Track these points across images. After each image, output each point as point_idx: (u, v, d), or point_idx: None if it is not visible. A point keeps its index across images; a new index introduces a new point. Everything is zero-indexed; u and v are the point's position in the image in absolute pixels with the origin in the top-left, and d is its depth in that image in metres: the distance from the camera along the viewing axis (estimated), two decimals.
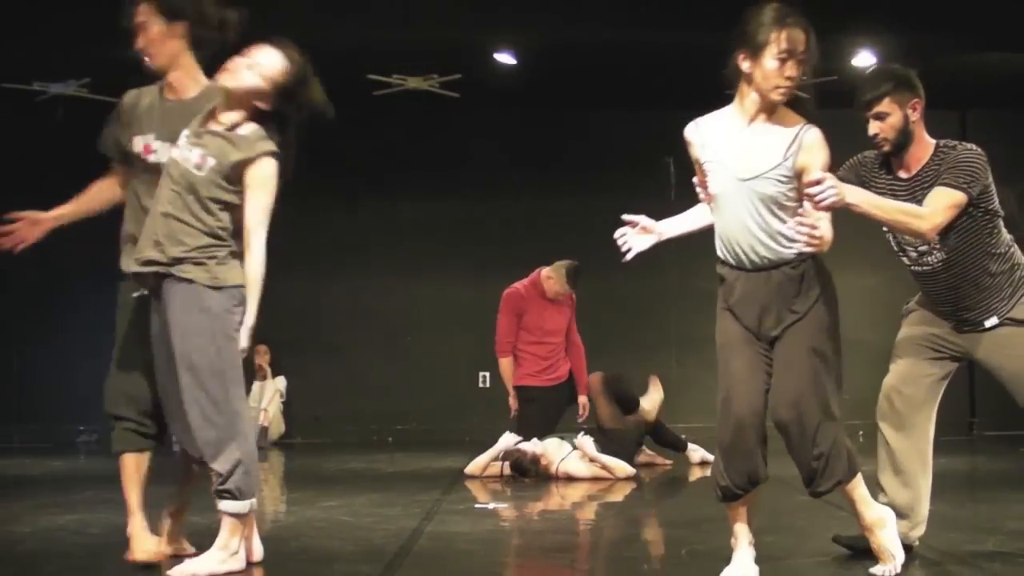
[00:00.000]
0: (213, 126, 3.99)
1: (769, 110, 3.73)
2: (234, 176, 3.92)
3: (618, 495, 6.72)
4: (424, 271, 11.41)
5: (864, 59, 9.78)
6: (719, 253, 3.84)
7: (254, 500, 3.99)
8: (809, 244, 3.54)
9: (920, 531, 4.33)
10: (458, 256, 11.38)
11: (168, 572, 3.92)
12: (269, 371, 10.78)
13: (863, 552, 4.23)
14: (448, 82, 10.11)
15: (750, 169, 3.71)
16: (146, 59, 4.25)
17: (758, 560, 3.83)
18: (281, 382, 11.04)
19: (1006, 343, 4.20)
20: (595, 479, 7.22)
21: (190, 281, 3.87)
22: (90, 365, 11.18)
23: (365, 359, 11.38)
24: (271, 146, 3.96)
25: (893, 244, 4.34)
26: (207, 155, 3.92)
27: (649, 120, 9.45)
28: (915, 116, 4.14)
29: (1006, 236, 4.28)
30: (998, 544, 4.57)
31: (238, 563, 3.97)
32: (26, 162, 10.46)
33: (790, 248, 3.69)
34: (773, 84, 3.66)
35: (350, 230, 11.39)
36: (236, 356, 3.93)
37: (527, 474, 7.39)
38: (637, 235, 3.93)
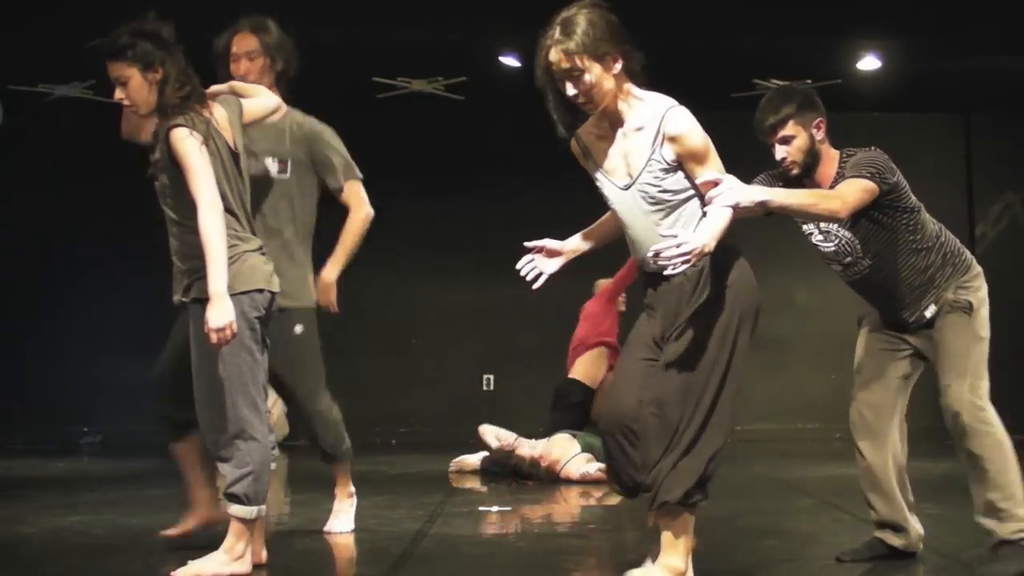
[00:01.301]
0: None
1: (618, 110, 3.61)
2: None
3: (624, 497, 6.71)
4: (428, 273, 11.41)
5: (869, 63, 9.79)
6: None
7: (263, 507, 4.00)
8: (675, 263, 3.34)
9: (918, 541, 4.31)
10: (462, 258, 11.39)
11: (171, 573, 3.92)
12: None
13: (869, 558, 4.25)
14: (453, 84, 10.12)
15: (626, 176, 3.63)
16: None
17: (760, 564, 3.83)
18: None
19: (941, 324, 4.18)
20: (597, 481, 7.14)
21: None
22: (94, 366, 11.27)
23: (369, 361, 11.38)
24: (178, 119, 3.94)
25: (822, 259, 4.30)
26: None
27: None
28: (820, 135, 4.08)
29: (932, 228, 4.24)
30: None
31: (243, 567, 3.97)
32: (32, 164, 10.48)
33: None
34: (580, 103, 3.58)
35: None
36: (245, 362, 3.94)
37: (530, 477, 7.33)
38: (544, 259, 3.86)
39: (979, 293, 4.24)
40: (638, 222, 3.64)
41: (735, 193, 3.45)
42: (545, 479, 7.24)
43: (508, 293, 11.37)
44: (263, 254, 4.09)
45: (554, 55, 3.52)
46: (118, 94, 4.06)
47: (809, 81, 9.75)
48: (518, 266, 3.84)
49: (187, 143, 3.90)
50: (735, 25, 8.67)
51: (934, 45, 9.48)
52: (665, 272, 3.46)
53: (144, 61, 3.99)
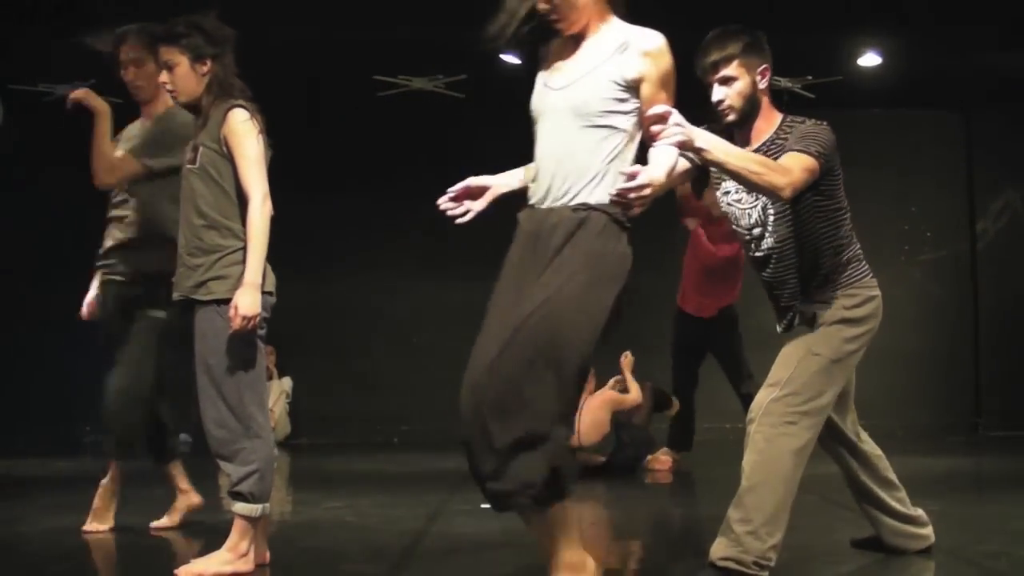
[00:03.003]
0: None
1: (588, 36, 3.35)
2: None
3: (627, 495, 6.72)
4: (430, 271, 11.41)
5: (869, 59, 9.79)
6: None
7: (267, 505, 4.00)
8: (623, 198, 3.07)
9: (927, 530, 4.30)
10: (464, 256, 11.35)
11: (176, 572, 3.92)
12: (275, 371, 10.78)
13: (876, 551, 4.26)
14: (454, 82, 10.12)
15: (567, 77, 3.34)
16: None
17: None
18: (287, 383, 11.05)
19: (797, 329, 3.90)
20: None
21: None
22: (96, 366, 11.25)
23: (371, 359, 11.39)
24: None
25: (734, 225, 3.99)
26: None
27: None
28: (763, 83, 3.80)
29: (847, 230, 3.91)
30: (1003, 544, 4.56)
31: (246, 565, 3.97)
32: (32, 164, 10.47)
33: (594, 184, 3.29)
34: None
35: (356, 230, 11.39)
36: (253, 360, 3.95)
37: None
38: (467, 201, 3.70)
39: (858, 311, 3.89)
40: (557, 135, 3.34)
41: (683, 131, 3.21)
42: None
43: None
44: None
45: None
46: (163, 77, 4.13)
47: (810, 77, 9.76)
48: (439, 202, 3.65)
49: (247, 126, 3.96)
50: (734, 21, 8.65)
51: (934, 42, 9.48)
52: (629, 212, 3.20)
53: (195, 52, 4.06)
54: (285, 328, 9.91)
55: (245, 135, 3.95)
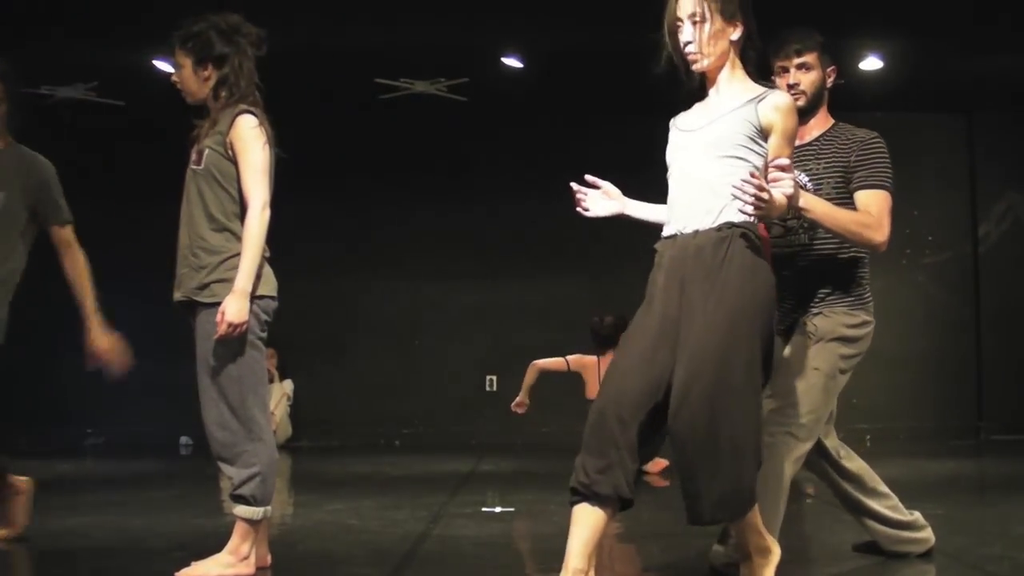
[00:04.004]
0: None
1: (720, 80, 3.53)
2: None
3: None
4: (431, 274, 11.42)
5: (871, 63, 9.79)
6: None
7: (269, 508, 3.99)
8: (749, 198, 3.23)
9: (924, 534, 4.29)
10: (465, 259, 11.39)
11: (177, 574, 3.92)
12: (276, 374, 10.79)
13: (877, 554, 4.25)
14: (455, 86, 10.12)
15: (702, 120, 3.51)
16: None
17: None
18: (288, 385, 11.06)
19: (795, 339, 3.95)
20: None
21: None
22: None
23: (372, 362, 11.40)
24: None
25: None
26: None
27: (657, 124, 9.42)
28: (829, 83, 4.14)
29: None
30: (1006, 548, 4.56)
31: (247, 568, 3.96)
32: None
33: (732, 206, 3.39)
34: (684, 57, 3.50)
35: (358, 233, 11.41)
36: (256, 362, 3.95)
37: None
38: (599, 198, 3.74)
39: (855, 331, 3.98)
40: (694, 172, 3.47)
41: (794, 186, 3.41)
42: None
43: (511, 294, 11.42)
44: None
45: None
46: (174, 75, 4.14)
47: None
48: (573, 185, 3.74)
49: (255, 132, 3.95)
50: None
51: (936, 45, 9.48)
52: (739, 208, 3.33)
53: (197, 56, 4.06)
54: (286, 331, 9.94)
55: (251, 142, 3.95)
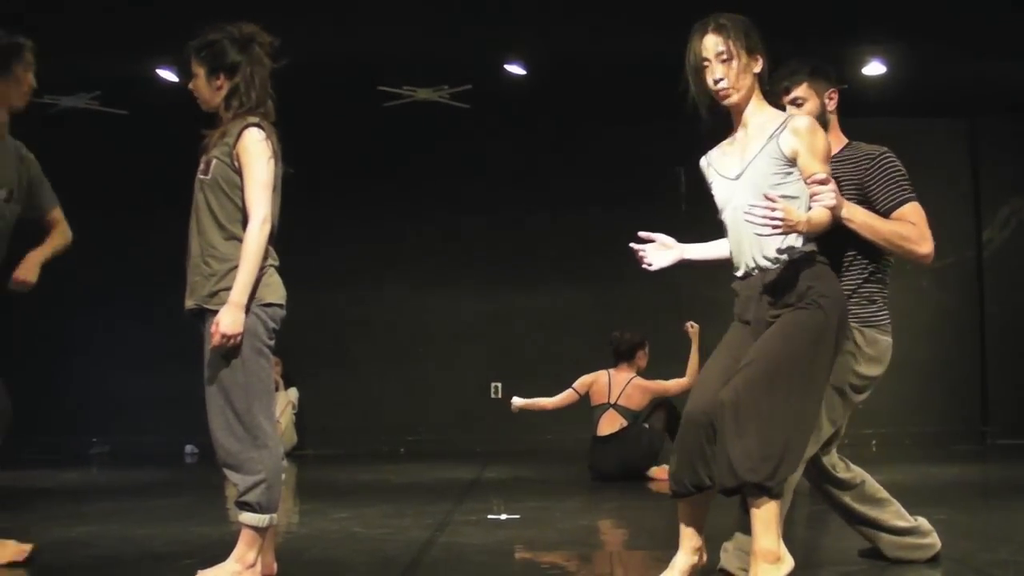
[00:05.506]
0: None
1: (747, 112, 3.76)
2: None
3: (633, 504, 6.70)
4: (435, 282, 11.43)
5: (875, 68, 9.80)
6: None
7: (274, 515, 3.99)
8: (765, 223, 3.46)
9: (930, 539, 4.29)
10: (469, 267, 11.40)
11: None
12: (281, 382, 10.79)
13: (883, 560, 4.25)
14: (458, 93, 10.13)
15: (738, 166, 3.75)
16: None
17: None
18: (293, 393, 11.06)
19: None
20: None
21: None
22: (104, 379, 11.28)
23: (377, 370, 11.41)
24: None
25: None
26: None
27: (659, 130, 9.43)
28: (831, 106, 4.17)
29: (885, 269, 4.18)
30: (1011, 552, 4.55)
31: None
32: None
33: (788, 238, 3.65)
34: (712, 92, 3.72)
35: (362, 242, 11.42)
36: (263, 370, 3.95)
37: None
38: (657, 251, 3.99)
39: (870, 350, 4.06)
40: (743, 218, 3.64)
41: (835, 197, 3.61)
42: None
43: (515, 302, 11.42)
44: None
45: (710, 39, 3.70)
46: (190, 84, 4.16)
47: None
48: (633, 245, 3.98)
49: (260, 147, 3.96)
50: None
51: (939, 50, 9.48)
52: (755, 232, 3.57)
53: (211, 65, 4.07)
54: (292, 339, 9.94)
55: (256, 156, 3.95)
